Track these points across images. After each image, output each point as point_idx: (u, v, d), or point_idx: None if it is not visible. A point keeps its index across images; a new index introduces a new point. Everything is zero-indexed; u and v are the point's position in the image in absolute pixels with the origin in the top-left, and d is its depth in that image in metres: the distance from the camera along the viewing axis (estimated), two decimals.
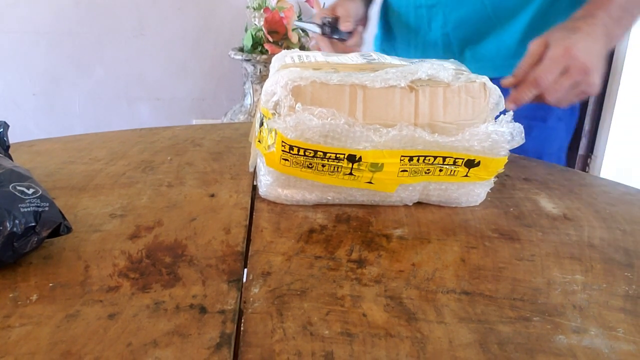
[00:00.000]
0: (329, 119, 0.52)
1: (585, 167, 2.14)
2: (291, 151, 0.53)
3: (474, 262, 0.50)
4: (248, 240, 0.53)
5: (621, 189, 0.70)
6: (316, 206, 0.60)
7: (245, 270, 0.48)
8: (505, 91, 0.62)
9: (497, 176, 0.59)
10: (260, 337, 0.39)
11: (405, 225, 0.57)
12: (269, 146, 0.55)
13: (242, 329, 0.40)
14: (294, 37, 2.17)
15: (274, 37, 2.20)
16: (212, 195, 0.61)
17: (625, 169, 2.04)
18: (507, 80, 0.68)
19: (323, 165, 0.55)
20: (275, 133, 0.54)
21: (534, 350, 0.39)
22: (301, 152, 0.53)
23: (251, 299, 0.43)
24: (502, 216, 0.60)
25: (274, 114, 0.54)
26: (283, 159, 0.55)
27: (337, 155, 0.54)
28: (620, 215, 0.61)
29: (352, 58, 0.62)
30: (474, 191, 0.61)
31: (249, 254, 0.50)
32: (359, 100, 0.54)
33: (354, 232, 0.55)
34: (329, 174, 0.55)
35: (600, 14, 0.68)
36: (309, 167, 0.55)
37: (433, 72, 0.55)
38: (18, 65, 2.43)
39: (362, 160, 0.54)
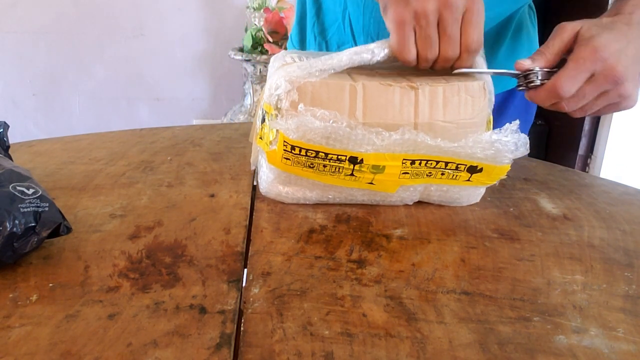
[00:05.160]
0: (331, 121, 0.52)
1: (585, 167, 2.14)
2: (293, 151, 0.53)
3: (474, 262, 0.50)
4: (248, 240, 0.53)
5: (621, 189, 0.70)
6: (316, 206, 0.60)
7: (245, 270, 0.48)
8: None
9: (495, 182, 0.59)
10: (260, 337, 0.39)
11: (405, 225, 0.57)
12: (270, 142, 0.55)
13: (242, 329, 0.40)
14: None
15: (274, 37, 2.20)
16: (212, 196, 0.61)
17: (625, 169, 2.04)
18: (525, 63, 0.57)
19: (324, 166, 0.55)
20: (277, 131, 0.54)
21: (534, 350, 0.39)
22: (303, 152, 0.53)
23: (251, 299, 0.43)
24: (502, 216, 0.60)
25: (276, 110, 0.54)
26: (285, 157, 0.55)
27: (339, 157, 0.54)
28: (620, 215, 0.61)
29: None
30: (475, 191, 0.61)
31: (249, 254, 0.50)
32: (358, 99, 0.54)
33: (354, 232, 0.55)
34: (330, 174, 0.55)
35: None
36: (310, 166, 0.55)
37: None
38: (18, 65, 2.44)
39: (364, 162, 0.54)
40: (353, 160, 0.54)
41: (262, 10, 2.21)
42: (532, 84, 0.56)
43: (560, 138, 2.31)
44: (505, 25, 0.81)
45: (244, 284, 0.45)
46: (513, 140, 0.54)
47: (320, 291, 0.45)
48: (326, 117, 0.52)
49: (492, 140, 0.54)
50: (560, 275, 0.49)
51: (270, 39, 2.20)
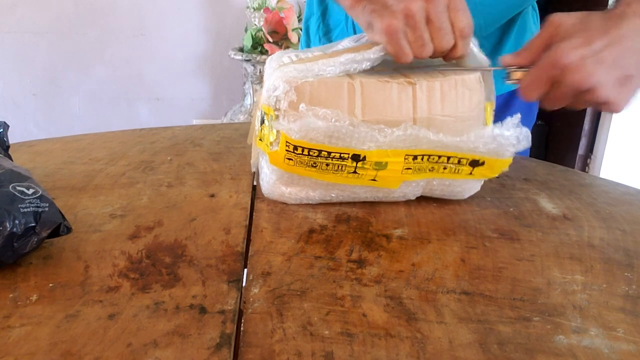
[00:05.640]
0: (333, 120, 0.52)
1: (585, 167, 2.14)
2: (295, 151, 0.54)
3: (474, 262, 0.50)
4: (248, 240, 0.53)
5: (621, 189, 0.70)
6: (316, 206, 0.60)
7: (245, 270, 0.48)
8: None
9: (497, 176, 0.59)
10: (260, 337, 0.39)
11: (405, 225, 0.57)
12: (271, 143, 0.55)
13: (242, 329, 0.40)
14: (293, 37, 2.17)
15: (274, 37, 2.20)
16: (212, 196, 0.61)
17: (625, 169, 2.04)
18: (507, 59, 0.57)
19: (327, 165, 0.55)
20: (278, 132, 0.54)
21: (534, 350, 0.39)
22: (305, 152, 0.53)
23: (251, 299, 0.43)
24: (502, 216, 0.60)
25: (276, 111, 0.54)
26: (287, 158, 0.55)
27: (342, 155, 0.54)
28: (620, 215, 0.61)
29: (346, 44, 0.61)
30: (475, 184, 0.61)
31: (249, 254, 0.50)
32: (357, 97, 0.53)
33: (354, 232, 0.55)
34: (333, 173, 0.56)
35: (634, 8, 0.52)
36: (313, 166, 0.55)
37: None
38: (18, 65, 2.44)
39: (367, 159, 0.54)
40: (356, 157, 0.54)
41: (262, 11, 2.21)
42: (510, 82, 0.57)
43: (560, 138, 2.32)
44: (509, 26, 0.82)
45: (244, 284, 0.45)
46: (515, 134, 0.54)
47: (320, 291, 0.45)
48: (328, 116, 0.52)
49: (494, 134, 0.54)
50: (560, 275, 0.49)
51: (270, 39, 2.20)
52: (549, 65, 0.52)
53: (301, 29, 0.97)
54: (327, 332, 0.40)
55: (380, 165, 0.55)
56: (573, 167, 1.65)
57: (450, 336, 0.40)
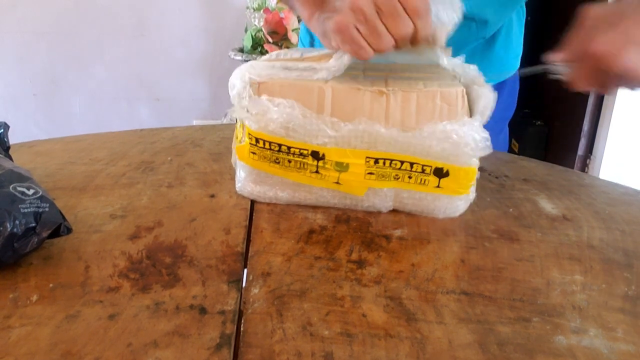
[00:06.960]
0: (288, 109, 0.52)
1: (584, 167, 2.14)
2: (257, 144, 0.54)
3: (474, 262, 0.50)
4: (248, 240, 0.53)
5: (620, 189, 0.70)
6: (316, 207, 0.60)
7: (245, 270, 0.48)
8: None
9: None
10: (260, 338, 0.39)
11: (405, 226, 0.57)
12: (240, 139, 0.56)
13: (242, 329, 0.40)
14: (293, 38, 2.17)
15: (273, 37, 2.20)
16: (212, 196, 0.61)
17: (625, 170, 2.04)
18: (557, 56, 0.56)
19: (289, 161, 0.55)
20: (243, 126, 0.55)
21: (533, 351, 0.39)
22: (267, 146, 0.54)
23: (251, 300, 0.43)
24: (501, 217, 0.60)
25: (241, 107, 0.55)
26: (251, 152, 0.55)
27: (301, 151, 0.54)
28: (619, 216, 0.61)
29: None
30: (452, 203, 0.58)
31: (249, 254, 0.50)
32: (327, 103, 0.53)
33: (354, 233, 0.55)
34: (296, 171, 0.56)
35: None
36: (275, 162, 0.55)
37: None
38: (18, 65, 2.44)
39: (326, 158, 0.54)
40: (315, 155, 0.54)
41: (262, 11, 2.22)
42: (556, 77, 0.56)
43: (559, 139, 2.32)
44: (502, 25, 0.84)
45: (244, 285, 0.46)
46: (470, 133, 0.51)
47: (320, 291, 0.45)
48: (284, 105, 0.52)
49: (447, 130, 0.51)
50: (560, 276, 0.49)
51: (270, 40, 2.20)
52: (586, 59, 0.52)
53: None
54: (327, 332, 0.40)
55: (341, 167, 0.54)
56: (572, 168, 1.65)
57: (449, 336, 0.40)
